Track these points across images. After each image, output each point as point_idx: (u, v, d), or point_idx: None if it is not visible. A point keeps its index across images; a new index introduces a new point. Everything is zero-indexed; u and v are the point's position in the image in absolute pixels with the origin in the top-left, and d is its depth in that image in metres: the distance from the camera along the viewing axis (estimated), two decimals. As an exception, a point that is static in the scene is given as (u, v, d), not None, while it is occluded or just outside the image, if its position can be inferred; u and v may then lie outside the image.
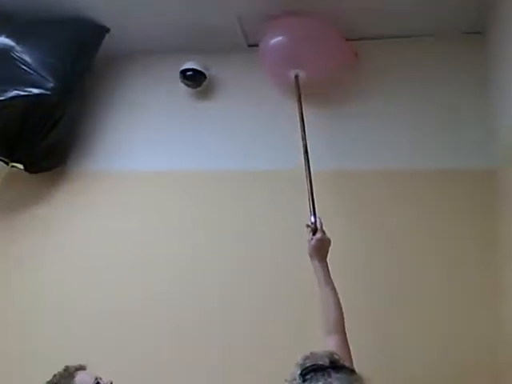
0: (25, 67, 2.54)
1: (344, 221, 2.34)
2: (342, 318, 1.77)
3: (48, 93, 2.53)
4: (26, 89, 2.50)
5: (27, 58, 2.56)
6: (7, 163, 2.67)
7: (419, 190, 2.39)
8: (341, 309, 1.78)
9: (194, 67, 2.73)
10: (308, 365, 1.35)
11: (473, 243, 2.23)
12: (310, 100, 2.52)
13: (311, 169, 2.22)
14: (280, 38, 2.60)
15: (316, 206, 2.08)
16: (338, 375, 1.29)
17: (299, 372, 1.34)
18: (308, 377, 1.32)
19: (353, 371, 1.36)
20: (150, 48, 2.90)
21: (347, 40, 2.61)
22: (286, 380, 1.37)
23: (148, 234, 2.58)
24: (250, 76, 2.76)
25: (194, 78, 2.77)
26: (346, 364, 1.38)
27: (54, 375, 1.80)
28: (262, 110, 2.71)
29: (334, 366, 1.33)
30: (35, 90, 2.51)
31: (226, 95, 2.80)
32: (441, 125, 2.46)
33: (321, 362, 1.34)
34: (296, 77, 2.53)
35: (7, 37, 2.60)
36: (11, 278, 2.62)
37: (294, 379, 1.34)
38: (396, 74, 2.62)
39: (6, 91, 2.48)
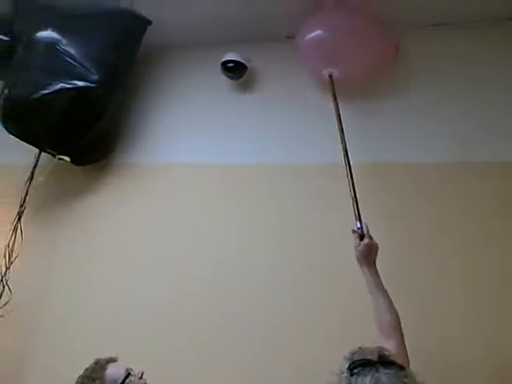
0: (70, 60, 2.59)
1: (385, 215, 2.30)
2: (397, 321, 1.74)
3: (93, 85, 2.58)
4: (72, 81, 2.56)
5: (72, 51, 2.61)
6: (54, 156, 2.74)
7: (460, 182, 2.33)
8: (395, 312, 1.75)
9: (235, 59, 2.73)
10: (356, 359, 1.35)
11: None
12: (345, 95, 2.51)
13: (353, 172, 2.17)
14: (315, 36, 2.56)
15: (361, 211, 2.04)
16: (386, 371, 1.30)
17: (347, 365, 1.35)
18: (356, 371, 1.32)
19: (402, 367, 1.34)
20: (191, 40, 2.94)
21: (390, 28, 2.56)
22: (333, 373, 1.36)
23: (191, 224, 2.60)
24: (290, 68, 2.76)
25: (235, 70, 2.77)
26: (397, 361, 1.37)
27: (86, 369, 1.83)
28: (301, 103, 2.69)
29: (383, 361, 1.33)
30: (80, 83, 2.57)
31: (266, 87, 2.80)
32: (485, 118, 2.40)
33: (370, 357, 1.34)
34: (330, 76, 2.50)
35: (53, 30, 2.64)
36: (58, 266, 2.67)
37: (342, 372, 1.35)
38: (437, 66, 2.57)
39: (51, 84, 2.55)
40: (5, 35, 2.85)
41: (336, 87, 2.47)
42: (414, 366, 1.49)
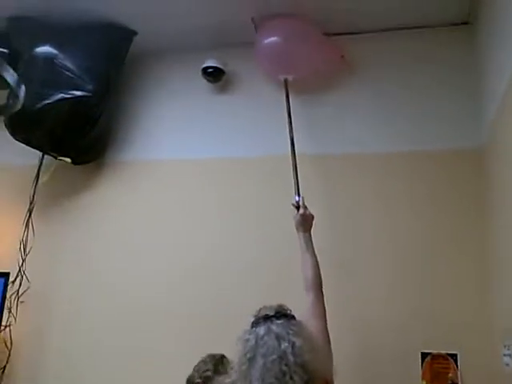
0: (67, 72, 2.90)
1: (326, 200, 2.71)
2: (319, 278, 2.11)
3: (89, 94, 2.91)
4: (70, 92, 2.88)
5: (69, 64, 2.92)
6: (55, 157, 3.06)
7: (402, 171, 2.72)
8: (318, 270, 2.13)
9: (215, 65, 3.05)
10: (257, 315, 1.71)
11: (462, 222, 2.57)
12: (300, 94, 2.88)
13: (296, 156, 2.59)
14: (268, 44, 2.90)
15: (300, 187, 2.47)
16: (278, 321, 1.64)
17: (252, 320, 1.70)
18: (255, 324, 1.67)
19: (293, 318, 1.70)
20: (174, 47, 3.21)
21: (334, 35, 2.92)
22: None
23: (181, 216, 2.96)
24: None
25: (214, 74, 3.09)
26: (291, 313, 1.71)
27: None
28: (270, 102, 2.99)
29: (278, 315, 1.67)
30: (78, 93, 2.89)
31: (240, 89, 3.12)
32: (427, 111, 2.77)
33: (267, 312, 1.69)
34: (285, 80, 2.85)
35: (50, 46, 2.94)
36: (62, 259, 3.03)
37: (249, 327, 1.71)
38: (382, 65, 2.91)
39: (52, 95, 2.86)
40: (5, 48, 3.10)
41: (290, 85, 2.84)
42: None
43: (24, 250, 2.97)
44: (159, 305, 2.79)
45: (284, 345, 1.58)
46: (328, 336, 1.94)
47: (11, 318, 2.87)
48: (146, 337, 2.67)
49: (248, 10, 2.91)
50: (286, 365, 1.55)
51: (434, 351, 2.39)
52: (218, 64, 3.06)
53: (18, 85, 2.86)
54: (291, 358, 1.56)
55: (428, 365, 2.38)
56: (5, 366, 2.83)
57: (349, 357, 2.31)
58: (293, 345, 1.58)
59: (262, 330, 1.63)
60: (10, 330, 2.86)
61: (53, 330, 2.88)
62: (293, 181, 2.54)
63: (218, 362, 2.03)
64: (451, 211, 2.59)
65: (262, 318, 1.68)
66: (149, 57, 3.29)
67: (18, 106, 2.83)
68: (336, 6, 2.78)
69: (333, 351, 1.89)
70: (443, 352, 2.38)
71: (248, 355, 1.60)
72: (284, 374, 1.54)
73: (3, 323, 2.84)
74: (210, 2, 2.87)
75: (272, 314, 1.68)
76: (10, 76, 2.86)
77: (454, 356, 2.37)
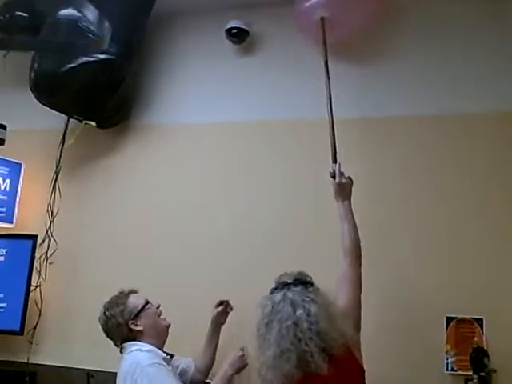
0: (90, 35, 2.88)
1: (368, 165, 2.66)
2: (356, 246, 2.07)
3: (112, 57, 2.89)
4: (94, 55, 2.86)
5: (92, 27, 2.89)
6: (81, 121, 3.07)
7: (448, 133, 2.64)
8: (356, 238, 2.08)
9: (239, 25, 3.00)
10: (277, 281, 1.75)
11: (489, 181, 2.52)
12: (338, 50, 2.74)
13: (334, 117, 2.44)
14: None
15: (337, 153, 2.36)
16: (295, 288, 1.68)
17: (272, 287, 1.74)
18: (273, 290, 1.71)
19: (311, 285, 1.71)
20: (197, 7, 3.16)
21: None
22: None
23: (207, 180, 2.96)
24: (287, 31, 2.97)
25: (238, 35, 3.04)
26: (311, 280, 1.74)
27: (112, 296, 2.23)
28: (296, 63, 2.95)
29: (296, 282, 1.70)
30: (101, 56, 2.87)
31: (266, 50, 3.06)
32: (464, 72, 2.68)
33: (285, 279, 1.73)
34: (322, 19, 2.65)
35: (73, 8, 2.92)
36: (89, 221, 3.08)
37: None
38: (424, 22, 2.81)
39: (76, 58, 2.85)
40: (25, 13, 3.10)
41: (330, 50, 2.65)
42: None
43: (51, 212, 3.02)
44: (184, 268, 2.83)
45: (299, 311, 1.61)
46: (359, 303, 1.93)
47: (41, 279, 2.95)
48: (170, 299, 2.69)
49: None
50: (301, 331, 1.58)
51: (460, 316, 2.38)
52: (242, 25, 3.00)
53: (101, 22, 2.89)
54: (305, 324, 1.59)
55: (453, 329, 2.37)
56: (36, 325, 2.91)
57: (374, 317, 2.29)
58: (308, 312, 1.61)
59: (278, 296, 1.67)
60: (40, 291, 2.93)
61: (81, 289, 2.95)
62: (323, 147, 2.42)
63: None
64: (478, 177, 2.54)
65: (281, 285, 1.71)
66: (172, 18, 3.25)
67: (104, 45, 2.86)
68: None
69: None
70: (468, 316, 2.37)
71: (265, 320, 1.65)
72: (299, 340, 1.58)
73: (33, 284, 2.91)
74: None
75: (290, 281, 1.71)
76: (91, 13, 2.88)
77: (479, 320, 2.35)
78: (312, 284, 1.73)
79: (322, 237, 2.64)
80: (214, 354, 2.43)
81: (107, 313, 2.16)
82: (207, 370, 2.41)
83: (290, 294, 1.66)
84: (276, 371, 1.58)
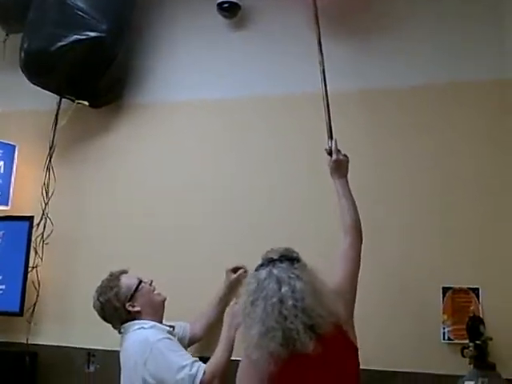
0: (80, 13, 2.82)
1: (365, 139, 2.65)
2: (357, 222, 2.03)
3: (103, 35, 2.83)
4: (84, 33, 2.81)
5: (81, 4, 2.84)
6: (73, 100, 3.04)
7: (437, 102, 2.61)
8: (355, 214, 2.05)
9: (230, -1, 2.97)
10: (263, 258, 1.71)
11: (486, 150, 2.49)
12: (329, 22, 2.68)
13: (328, 92, 2.38)
14: None
15: (333, 129, 2.31)
16: (280, 265, 1.64)
17: (258, 264, 1.71)
18: (259, 267, 1.68)
19: (297, 261, 1.68)
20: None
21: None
22: None
23: (200, 158, 2.94)
24: (280, 5, 2.93)
25: (229, 9, 2.99)
26: (297, 256, 1.71)
27: (102, 280, 2.21)
28: (289, 37, 2.91)
29: (282, 258, 1.67)
30: (92, 33, 2.82)
31: (258, 25, 3.01)
32: (458, 40, 2.64)
33: (271, 255, 1.69)
34: None
35: (63, -15, 2.87)
36: (84, 202, 3.07)
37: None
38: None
39: (66, 36, 2.81)
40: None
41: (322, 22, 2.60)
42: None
43: (46, 193, 3.01)
44: (180, 248, 2.82)
45: (284, 288, 1.57)
46: (355, 281, 1.90)
47: (38, 260, 2.95)
48: (168, 277, 2.70)
49: None
50: (286, 309, 1.55)
51: (456, 286, 2.38)
52: (233, -1, 2.96)
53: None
54: (290, 301, 1.55)
55: (449, 299, 2.38)
56: (34, 306, 2.92)
57: (371, 290, 2.30)
58: (293, 288, 1.57)
59: (263, 273, 1.64)
60: (37, 271, 2.94)
61: (78, 270, 2.95)
62: (319, 122, 2.37)
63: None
64: (473, 147, 2.52)
65: (266, 261, 1.68)
66: (162, -7, 3.20)
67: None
68: None
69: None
70: (465, 286, 2.37)
71: (250, 298, 1.61)
72: (285, 317, 1.54)
73: (30, 264, 2.91)
74: None
75: (276, 257, 1.67)
76: None
77: (475, 290, 2.35)
78: (298, 260, 1.70)
79: (317, 215, 2.63)
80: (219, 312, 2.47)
81: (101, 298, 2.15)
82: (207, 327, 2.48)
83: (275, 271, 1.62)
84: (262, 350, 1.54)
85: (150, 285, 2.25)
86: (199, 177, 2.91)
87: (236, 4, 2.97)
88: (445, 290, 2.39)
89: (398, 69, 2.71)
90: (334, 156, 2.19)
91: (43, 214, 2.98)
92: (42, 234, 2.96)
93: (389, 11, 2.78)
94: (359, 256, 1.97)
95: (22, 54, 2.91)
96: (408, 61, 2.70)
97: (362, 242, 2.02)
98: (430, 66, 2.66)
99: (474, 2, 2.65)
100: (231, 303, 2.30)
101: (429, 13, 2.72)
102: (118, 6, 2.97)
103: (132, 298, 2.16)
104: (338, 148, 2.23)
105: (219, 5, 2.98)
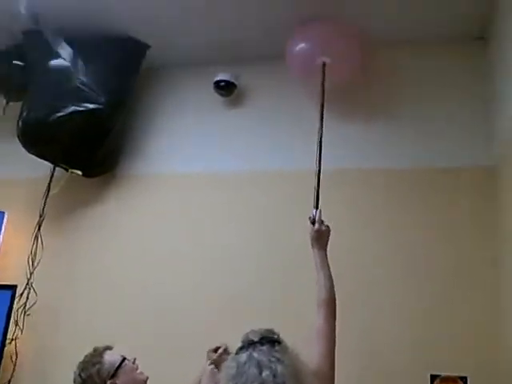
0: (80, 85, 2.91)
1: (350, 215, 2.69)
2: (331, 299, 1.98)
3: (101, 107, 2.91)
4: (83, 104, 2.89)
5: (82, 77, 2.93)
6: (67, 170, 3.07)
7: (421, 186, 2.68)
8: (331, 290, 2.00)
9: (226, 78, 3.06)
10: (243, 340, 1.63)
11: (474, 234, 2.53)
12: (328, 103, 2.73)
13: (321, 166, 2.43)
14: (307, 35, 2.84)
15: (320, 199, 2.34)
16: (261, 347, 1.55)
17: (238, 346, 1.63)
18: (240, 350, 1.59)
19: (278, 343, 1.60)
20: (186, 61, 3.24)
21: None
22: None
23: (193, 230, 2.94)
24: (275, 84, 3.07)
25: (225, 88, 3.10)
26: (278, 338, 1.62)
27: (85, 355, 2.11)
28: (284, 115, 3.02)
29: (263, 340, 1.59)
30: (90, 105, 2.90)
31: (253, 103, 3.12)
32: (443, 127, 2.75)
33: (252, 337, 1.61)
34: (323, 64, 2.71)
35: (64, 58, 2.96)
36: (71, 273, 3.02)
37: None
38: (406, 79, 2.90)
39: (65, 107, 2.87)
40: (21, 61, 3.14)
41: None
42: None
43: (32, 263, 2.96)
44: (168, 318, 2.76)
45: (265, 373, 1.50)
46: (333, 359, 1.84)
47: (18, 331, 2.85)
48: (156, 350, 2.63)
49: (260, 24, 2.93)
50: None
51: (444, 373, 2.34)
52: (230, 78, 3.07)
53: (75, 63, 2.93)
54: None
55: (438, 387, 2.34)
56: (10, 380, 2.80)
57: (357, 378, 2.26)
58: (275, 373, 1.50)
59: (244, 356, 1.56)
60: (15, 344, 2.84)
61: (59, 343, 2.84)
62: (307, 197, 2.40)
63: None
64: (461, 232, 2.55)
65: (247, 343, 1.61)
66: (161, 70, 3.32)
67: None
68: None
69: (341, 372, 1.83)
70: (453, 375, 2.33)
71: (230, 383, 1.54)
72: None
73: (9, 336, 2.81)
74: (222, 17, 2.90)
75: (257, 339, 1.61)
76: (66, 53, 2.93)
77: (463, 379, 2.31)
78: (279, 342, 1.62)
79: (303, 289, 2.59)
80: None
81: (83, 374, 2.07)
82: None
83: (255, 354, 1.54)
84: None
85: (134, 363, 2.18)
86: (192, 249, 2.90)
87: (232, 83, 3.08)
88: (433, 377, 2.35)
89: (391, 150, 2.80)
90: (317, 225, 2.19)
91: (27, 283, 2.92)
92: (25, 304, 2.89)
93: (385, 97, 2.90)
94: (334, 332, 1.92)
95: (20, 123, 2.95)
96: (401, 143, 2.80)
97: (335, 318, 1.97)
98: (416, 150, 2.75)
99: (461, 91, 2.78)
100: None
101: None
102: (118, 80, 3.06)
103: (114, 375, 2.08)
104: (322, 219, 2.24)
105: (216, 83, 3.08)
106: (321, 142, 2.48)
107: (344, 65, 2.83)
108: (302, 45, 2.84)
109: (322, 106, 2.61)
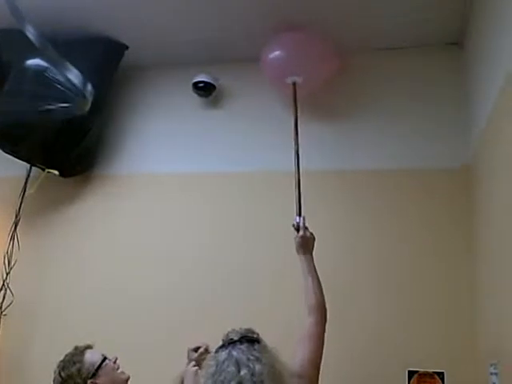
0: (58, 85, 2.88)
1: (330, 216, 2.73)
2: (319, 303, 2.01)
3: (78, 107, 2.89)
4: (60, 104, 2.86)
5: (59, 77, 2.90)
6: (43, 169, 3.04)
7: (399, 187, 2.74)
8: (319, 295, 2.03)
9: (205, 79, 3.07)
10: (224, 339, 1.68)
11: (449, 236, 2.60)
12: (305, 106, 2.83)
13: (301, 171, 2.51)
14: (277, 52, 2.87)
15: (302, 207, 2.40)
16: (240, 346, 1.60)
17: (218, 345, 1.67)
18: (220, 348, 1.64)
19: (257, 342, 1.65)
20: (165, 62, 3.25)
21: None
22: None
23: (168, 230, 2.96)
24: (253, 86, 3.09)
25: (204, 89, 3.11)
26: (257, 337, 1.67)
27: (66, 354, 2.11)
28: (263, 117, 3.04)
29: (242, 339, 1.63)
30: (67, 105, 2.87)
31: (232, 104, 3.14)
32: (414, 130, 2.82)
33: (232, 336, 1.66)
34: (293, 84, 2.78)
35: (41, 58, 2.93)
36: (47, 272, 3.00)
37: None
38: (381, 84, 2.96)
39: (42, 107, 2.84)
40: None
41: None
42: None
43: (8, 263, 2.93)
44: (145, 317, 2.77)
45: (243, 371, 1.53)
46: (319, 363, 1.87)
47: (-6, 332, 2.83)
48: (132, 349, 2.62)
49: (239, 27, 2.94)
50: None
51: (421, 369, 2.39)
52: (209, 79, 3.07)
53: (85, 84, 2.89)
54: None
55: (415, 383, 2.38)
56: (-15, 381, 2.77)
57: (335, 374, 2.29)
58: (252, 371, 1.54)
59: (223, 355, 1.60)
60: (-8, 345, 2.82)
61: (36, 343, 2.84)
62: (287, 199, 2.48)
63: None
64: (438, 232, 2.61)
65: (226, 342, 1.64)
66: (140, 71, 3.31)
67: (87, 107, 2.88)
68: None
69: (321, 370, 1.86)
70: (430, 370, 2.38)
71: (209, 381, 1.57)
72: None
73: (-15, 337, 2.79)
74: (200, 18, 2.90)
75: (236, 338, 1.64)
76: (75, 76, 2.88)
77: (440, 374, 2.37)
78: (259, 341, 1.66)
79: (283, 289, 2.64)
80: None
81: (63, 373, 2.06)
82: None
83: (234, 353, 1.58)
84: None
85: (115, 362, 2.18)
86: (168, 248, 2.91)
87: (211, 84, 3.09)
88: (410, 373, 2.40)
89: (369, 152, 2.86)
90: (301, 232, 2.24)
91: (3, 283, 2.89)
92: (1, 304, 2.86)
93: (355, 98, 2.96)
94: (323, 335, 1.95)
95: (-5, 124, 2.91)
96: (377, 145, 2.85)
97: (326, 321, 2.00)
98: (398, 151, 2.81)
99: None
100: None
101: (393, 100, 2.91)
102: (96, 80, 3.02)
103: (94, 375, 2.07)
104: (306, 225, 2.28)
105: (195, 84, 3.09)
106: (298, 152, 2.55)
107: (315, 82, 2.89)
108: (274, 62, 2.88)
109: (296, 119, 2.67)
